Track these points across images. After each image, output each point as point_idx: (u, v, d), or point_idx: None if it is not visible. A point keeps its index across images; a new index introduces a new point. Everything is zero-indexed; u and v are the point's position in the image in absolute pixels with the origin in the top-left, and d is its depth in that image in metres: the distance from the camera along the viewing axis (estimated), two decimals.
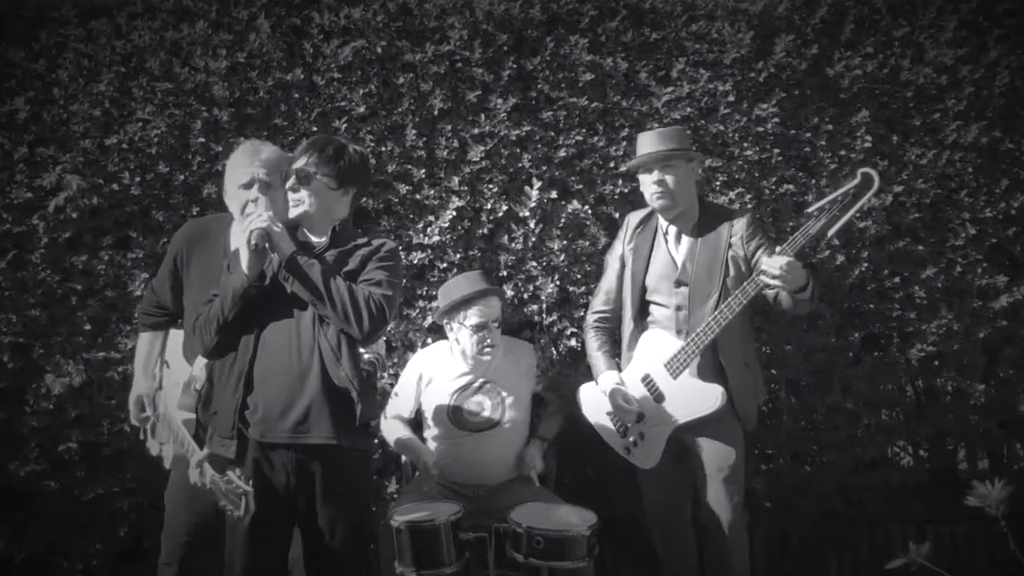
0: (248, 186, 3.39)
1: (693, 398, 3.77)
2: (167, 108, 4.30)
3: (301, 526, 3.21)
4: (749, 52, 4.63)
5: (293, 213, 3.27)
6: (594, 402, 4.05)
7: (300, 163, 3.23)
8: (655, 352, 3.87)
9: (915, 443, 5.20)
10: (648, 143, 3.89)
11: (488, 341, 4.03)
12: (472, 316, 4.02)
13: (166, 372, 3.65)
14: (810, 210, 3.64)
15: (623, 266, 4.02)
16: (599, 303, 4.11)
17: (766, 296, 3.76)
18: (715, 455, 3.81)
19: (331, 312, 3.10)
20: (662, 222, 3.97)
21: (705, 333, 3.72)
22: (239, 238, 3.10)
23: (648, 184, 3.88)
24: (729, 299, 3.69)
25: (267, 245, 3.10)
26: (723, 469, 3.80)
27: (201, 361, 3.39)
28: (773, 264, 3.52)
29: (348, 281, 3.16)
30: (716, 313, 3.70)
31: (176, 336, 3.67)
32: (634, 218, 4.07)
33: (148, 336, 3.74)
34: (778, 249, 3.61)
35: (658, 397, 3.85)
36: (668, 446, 3.90)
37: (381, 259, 3.24)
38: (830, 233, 3.58)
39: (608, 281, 4.10)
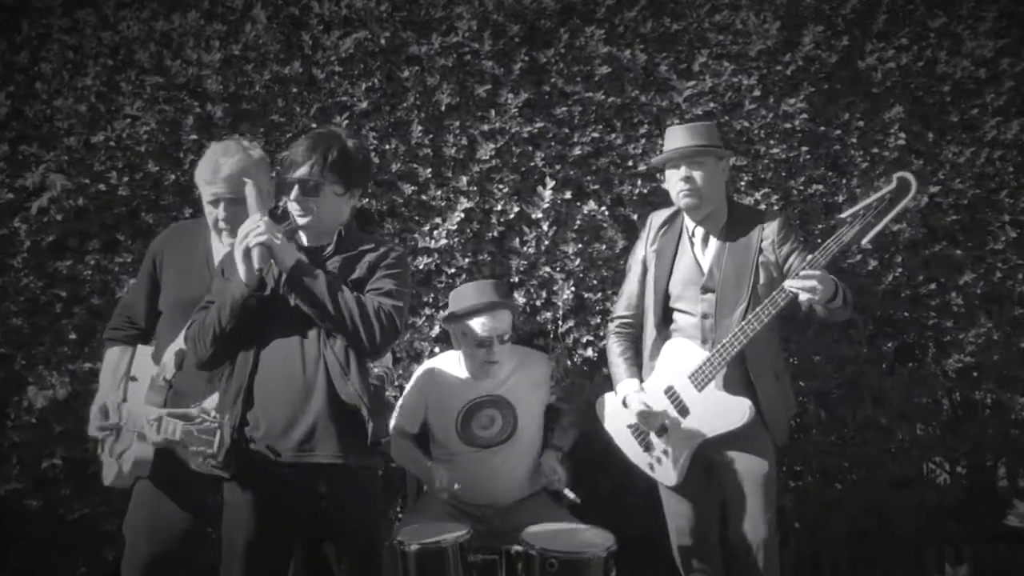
0: (214, 204, 3.42)
1: (719, 412, 3.71)
2: (157, 103, 4.28)
3: (306, 547, 3.18)
4: (776, 44, 4.60)
5: (300, 222, 3.22)
6: (615, 413, 4.01)
7: (303, 171, 3.15)
8: (679, 363, 3.82)
9: (952, 459, 5.19)
10: (676, 138, 3.84)
11: (490, 358, 4.01)
12: (475, 329, 4.00)
13: (132, 386, 3.57)
14: (843, 215, 3.59)
15: (645, 270, 3.98)
16: (621, 308, 4.07)
17: (800, 304, 3.69)
18: (748, 468, 3.75)
19: (338, 326, 3.06)
20: (688, 223, 3.92)
21: (732, 344, 3.66)
22: (236, 248, 3.04)
23: (674, 181, 3.83)
24: (758, 308, 3.64)
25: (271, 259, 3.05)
26: (756, 482, 3.74)
27: (170, 351, 3.38)
28: (803, 279, 3.50)
29: (356, 292, 3.11)
30: (744, 323, 3.64)
31: (144, 351, 3.59)
32: (658, 218, 4.02)
33: (117, 350, 3.66)
34: (809, 258, 3.56)
35: (682, 410, 3.80)
36: (694, 462, 3.86)
37: (389, 266, 3.20)
38: (864, 241, 3.55)
39: (630, 286, 4.05)
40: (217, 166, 3.41)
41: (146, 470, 3.43)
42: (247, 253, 3.02)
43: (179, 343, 3.38)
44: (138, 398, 3.48)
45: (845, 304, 3.63)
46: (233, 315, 3.06)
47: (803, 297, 3.52)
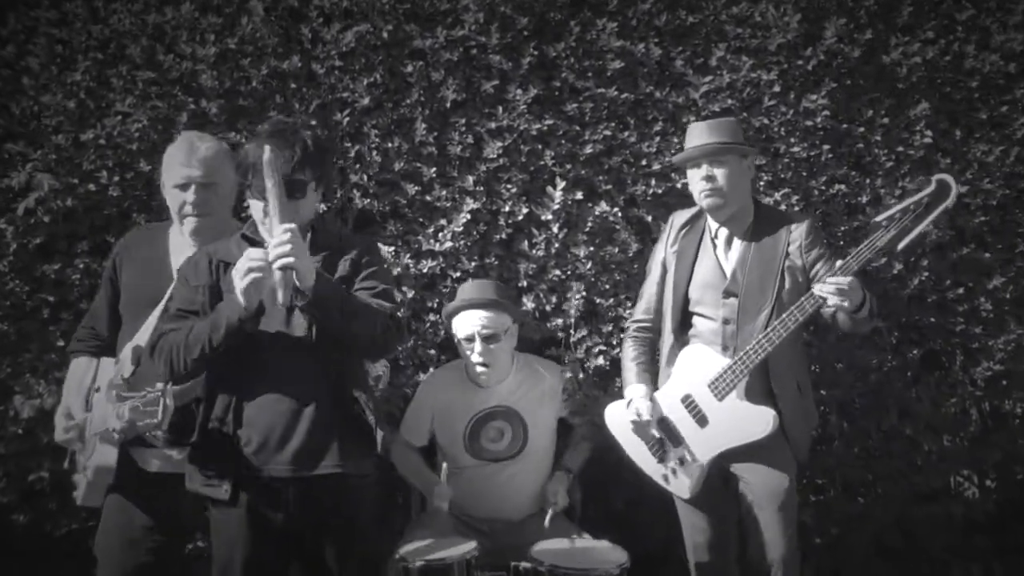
0: (184, 188, 3.40)
1: (740, 422, 3.66)
2: (149, 99, 4.27)
3: (305, 564, 3.16)
4: (796, 37, 4.59)
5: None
6: (624, 422, 3.94)
7: (285, 170, 3.01)
8: (697, 370, 3.77)
9: (981, 472, 5.14)
10: (697, 135, 3.80)
11: (476, 359, 4.01)
12: (462, 325, 4.03)
13: (97, 397, 3.50)
14: (878, 219, 3.56)
15: (665, 272, 3.95)
16: (639, 312, 4.03)
17: (823, 314, 3.67)
18: (766, 482, 3.71)
19: (356, 337, 2.97)
20: (711, 224, 3.87)
21: (756, 351, 3.61)
22: (240, 265, 2.88)
23: (696, 180, 3.78)
24: (784, 315, 3.59)
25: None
26: (776, 497, 3.68)
27: (128, 349, 3.34)
28: (833, 283, 3.46)
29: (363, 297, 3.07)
30: (768, 330, 3.60)
31: (109, 363, 3.53)
32: (679, 218, 3.98)
33: (83, 361, 3.62)
34: (839, 264, 3.53)
35: (700, 420, 3.75)
36: (711, 474, 3.81)
37: (371, 263, 3.15)
38: (900, 247, 3.51)
39: (649, 288, 4.01)
40: (193, 147, 3.41)
41: (110, 476, 3.36)
42: (250, 285, 2.85)
43: (137, 340, 3.35)
44: (102, 406, 3.45)
45: (871, 315, 3.60)
46: (227, 337, 2.93)
47: (831, 302, 3.49)
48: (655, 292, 3.97)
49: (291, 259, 2.80)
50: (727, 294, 3.76)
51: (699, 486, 3.81)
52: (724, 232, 3.83)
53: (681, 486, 3.85)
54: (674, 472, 3.86)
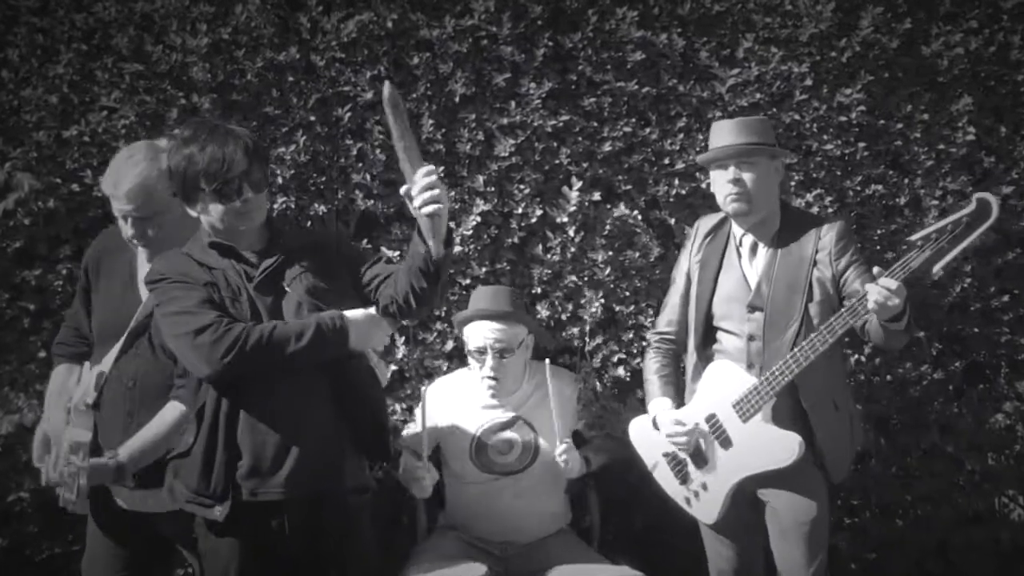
0: (122, 218, 3.34)
1: (765, 447, 3.59)
2: (137, 94, 4.25)
3: None
4: (830, 27, 4.54)
5: (242, 228, 3.06)
6: (648, 439, 3.91)
7: (243, 166, 2.99)
8: (723, 388, 3.69)
9: None
10: (724, 134, 3.72)
11: (485, 373, 3.99)
12: (473, 336, 4.02)
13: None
14: (914, 238, 3.46)
15: (689, 283, 3.89)
16: (661, 324, 3.98)
17: (853, 326, 3.58)
18: (792, 508, 3.64)
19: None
20: (736, 230, 3.79)
21: (782, 373, 3.53)
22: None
23: (721, 183, 3.70)
24: (812, 336, 3.50)
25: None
26: (801, 524, 3.62)
27: (92, 373, 3.36)
28: (880, 286, 3.34)
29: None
30: (796, 351, 3.52)
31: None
32: (704, 224, 3.91)
33: (64, 368, 3.60)
34: (876, 271, 3.42)
35: (724, 442, 3.68)
36: (737, 499, 3.73)
37: (359, 249, 3.26)
38: (936, 269, 3.38)
39: (672, 299, 3.95)
40: (117, 178, 3.29)
41: (84, 452, 3.37)
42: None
43: (101, 367, 3.35)
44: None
45: (907, 329, 3.50)
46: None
47: (870, 305, 3.36)
48: (678, 304, 3.90)
49: (441, 205, 2.75)
50: (752, 308, 3.68)
51: (724, 511, 3.73)
52: (749, 239, 3.74)
53: (704, 510, 3.79)
54: (696, 495, 3.80)
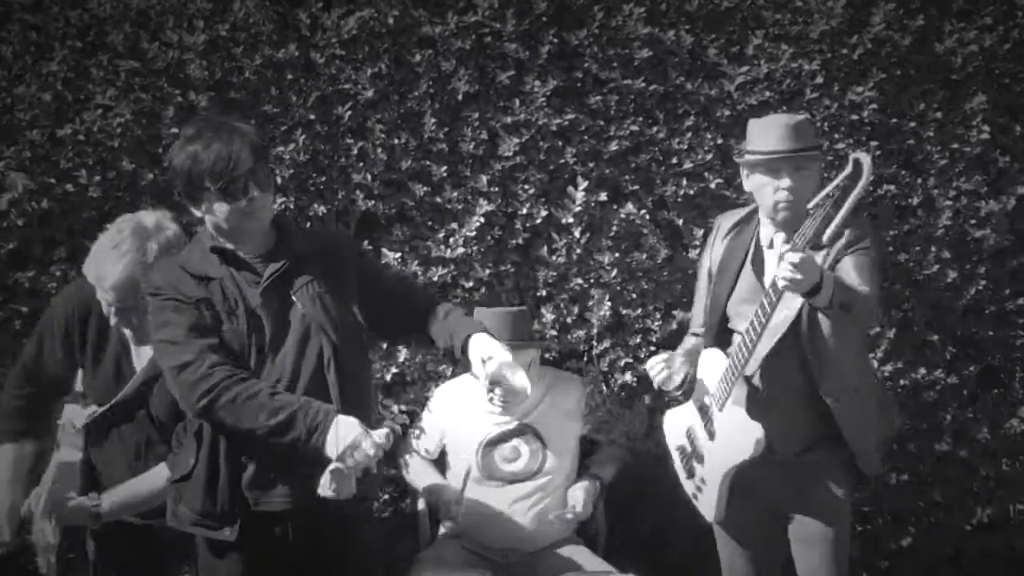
0: (107, 304, 3.30)
1: (732, 439, 3.52)
2: (132, 91, 4.22)
3: None
4: (841, 23, 4.52)
5: (252, 227, 3.00)
6: (670, 430, 3.86)
7: (249, 164, 2.94)
8: (709, 378, 3.67)
9: None
10: (773, 137, 3.54)
11: (498, 400, 3.92)
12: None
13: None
14: (809, 205, 3.35)
15: (711, 282, 3.80)
16: (692, 324, 3.89)
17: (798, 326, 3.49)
18: (808, 514, 3.56)
19: None
20: (763, 230, 3.67)
21: (739, 355, 3.45)
22: (364, 451, 2.81)
23: (772, 190, 3.52)
24: (754, 313, 3.40)
25: None
26: (821, 535, 3.55)
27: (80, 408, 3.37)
28: (783, 264, 3.23)
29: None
30: (744, 332, 3.43)
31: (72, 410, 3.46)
32: (726, 221, 3.78)
33: (8, 449, 3.54)
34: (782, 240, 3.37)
35: (711, 433, 3.64)
36: (751, 503, 3.63)
37: (363, 252, 3.27)
38: (824, 238, 3.28)
39: (697, 301, 3.87)
40: (102, 271, 3.25)
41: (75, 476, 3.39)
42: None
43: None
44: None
45: (843, 308, 3.35)
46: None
47: (779, 282, 3.25)
48: (702, 307, 3.83)
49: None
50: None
51: (719, 510, 3.68)
52: (780, 238, 3.55)
53: (705, 506, 3.75)
54: (700, 490, 3.76)
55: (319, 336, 2.91)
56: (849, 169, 3.26)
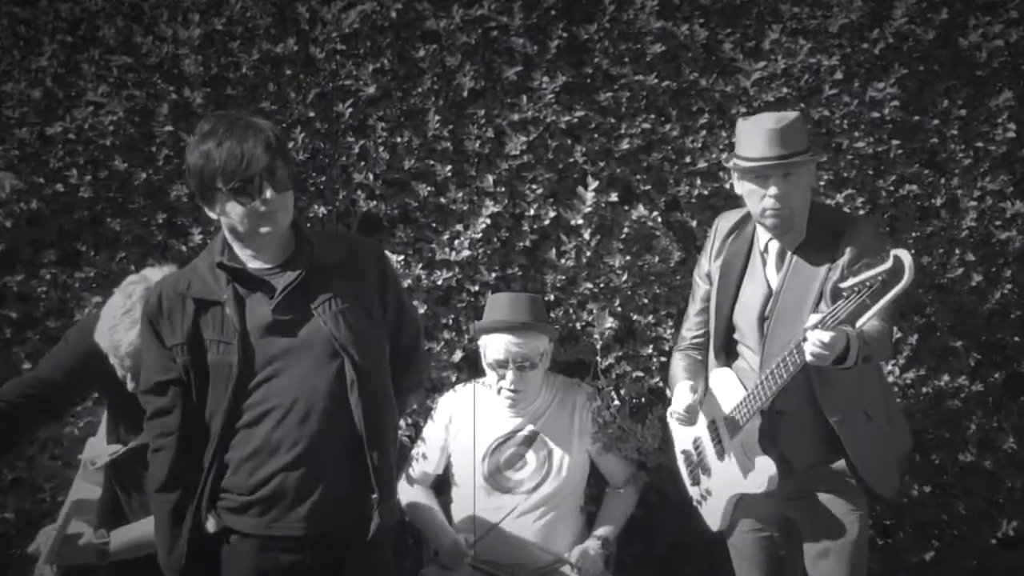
0: (119, 366, 3.30)
1: (744, 467, 3.58)
2: (125, 88, 4.23)
3: None
4: (861, 17, 4.48)
5: (264, 231, 2.91)
6: (679, 433, 3.88)
7: (266, 162, 2.88)
8: (720, 398, 3.67)
9: None
10: (760, 142, 3.49)
11: (505, 385, 3.99)
12: (493, 348, 4.00)
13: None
14: (843, 285, 3.30)
15: (711, 287, 3.77)
16: (685, 328, 3.90)
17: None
18: (824, 527, 3.58)
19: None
20: (761, 235, 3.64)
21: (756, 397, 3.49)
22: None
23: (759, 196, 3.49)
24: (773, 367, 3.42)
25: None
26: (836, 547, 3.57)
27: (102, 437, 3.41)
28: (812, 342, 3.27)
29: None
30: (763, 378, 3.46)
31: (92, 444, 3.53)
32: (724, 223, 3.76)
33: None
34: (814, 318, 3.31)
35: (719, 452, 3.67)
36: (764, 520, 3.66)
37: (393, 271, 3.20)
38: (858, 324, 3.25)
39: (694, 306, 3.84)
40: (116, 339, 3.24)
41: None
42: None
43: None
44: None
45: (857, 363, 3.37)
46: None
47: (808, 357, 3.28)
48: (701, 310, 3.80)
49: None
50: (765, 320, 3.60)
51: (722, 521, 3.72)
52: (776, 245, 3.59)
53: (709, 517, 3.80)
54: (704, 499, 3.81)
55: (342, 356, 2.86)
56: (889, 263, 3.19)
